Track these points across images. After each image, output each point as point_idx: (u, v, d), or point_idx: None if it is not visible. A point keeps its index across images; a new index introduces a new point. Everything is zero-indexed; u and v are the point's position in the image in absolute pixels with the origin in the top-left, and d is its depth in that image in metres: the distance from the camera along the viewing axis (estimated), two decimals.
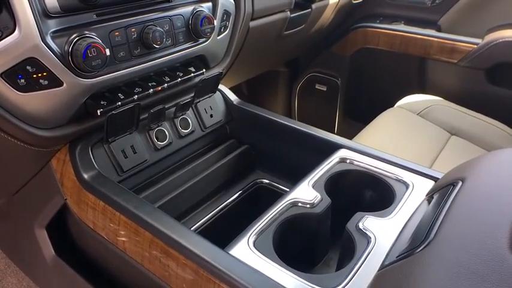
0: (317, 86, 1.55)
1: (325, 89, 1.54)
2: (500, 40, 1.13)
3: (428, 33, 1.28)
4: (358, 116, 1.49)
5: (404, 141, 1.06)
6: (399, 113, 1.16)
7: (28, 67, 0.52)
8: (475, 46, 1.19)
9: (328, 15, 1.25)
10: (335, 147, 0.69)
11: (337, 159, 0.65)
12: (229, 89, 0.88)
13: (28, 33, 0.51)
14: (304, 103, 1.61)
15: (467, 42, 1.20)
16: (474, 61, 1.20)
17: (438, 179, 0.60)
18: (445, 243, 0.37)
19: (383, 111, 1.20)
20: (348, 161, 0.66)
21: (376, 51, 1.37)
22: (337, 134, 1.60)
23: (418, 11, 1.30)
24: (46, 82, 0.54)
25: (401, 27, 1.33)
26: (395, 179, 0.61)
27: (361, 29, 1.38)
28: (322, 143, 0.72)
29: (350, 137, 1.17)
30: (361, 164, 0.64)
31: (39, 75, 0.54)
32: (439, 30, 1.28)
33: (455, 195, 0.44)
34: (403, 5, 1.33)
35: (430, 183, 0.61)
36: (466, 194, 0.43)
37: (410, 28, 1.31)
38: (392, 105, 1.24)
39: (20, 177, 0.71)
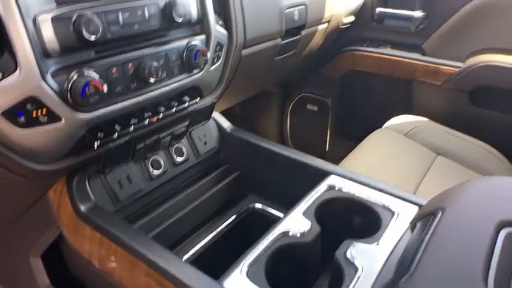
0: (308, 106, 1.59)
1: (316, 109, 1.58)
2: (480, 64, 1.18)
3: (413, 56, 1.33)
4: (349, 134, 1.53)
5: (392, 162, 1.09)
6: (387, 134, 1.20)
7: (28, 105, 0.55)
8: (457, 69, 1.24)
9: (317, 40, 1.30)
10: (325, 173, 0.72)
11: (326, 187, 0.68)
12: (223, 111, 0.91)
13: (29, 74, 0.53)
14: (296, 122, 1.65)
15: (450, 66, 1.26)
16: (457, 84, 1.25)
17: (422, 205, 0.63)
18: (424, 274, 0.40)
19: (372, 130, 1.24)
20: (336, 188, 0.68)
21: (364, 73, 1.42)
22: (328, 152, 1.62)
23: (403, 35, 1.35)
24: (45, 118, 0.57)
25: (388, 50, 1.38)
26: (382, 206, 0.64)
27: (349, 52, 1.43)
28: (313, 170, 0.75)
29: (341, 155, 1.20)
30: (349, 191, 0.67)
31: (39, 112, 0.56)
32: (423, 53, 1.34)
33: (435, 226, 0.46)
34: (388, 30, 1.38)
35: (415, 210, 0.63)
36: (444, 225, 0.46)
37: (396, 52, 1.36)
38: (381, 125, 1.28)
39: (16, 207, 0.72)
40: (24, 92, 0.53)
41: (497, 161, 1.11)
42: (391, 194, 0.67)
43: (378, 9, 1.37)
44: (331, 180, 0.70)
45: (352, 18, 1.38)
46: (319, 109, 1.57)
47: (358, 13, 1.40)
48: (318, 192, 0.67)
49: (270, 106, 1.66)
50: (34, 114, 0.56)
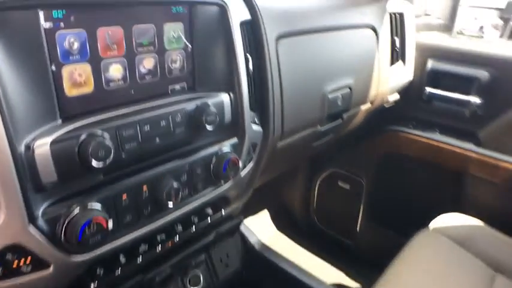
0: (340, 183, 1.43)
1: (348, 188, 1.42)
2: None
3: (466, 146, 1.17)
4: (384, 222, 1.36)
5: (444, 280, 0.91)
6: (435, 240, 1.02)
7: (8, 255, 0.42)
8: None
9: (359, 119, 1.17)
10: None
11: None
12: None
13: (13, 218, 0.41)
14: (325, 198, 1.49)
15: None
16: None
17: None
18: None
19: (412, 224, 1.07)
20: None
21: (407, 157, 1.27)
22: (360, 234, 1.42)
23: (456, 120, 1.20)
24: (29, 268, 0.44)
25: (436, 136, 1.23)
26: None
27: (392, 133, 1.29)
28: None
29: (373, 241, 1.02)
30: None
31: (21, 261, 0.43)
32: (478, 143, 1.17)
33: None
34: (439, 112, 1.23)
35: None
36: None
37: (447, 138, 1.21)
38: (422, 220, 1.10)
39: None
40: (5, 241, 0.41)
41: None
42: None
43: (428, 90, 1.23)
44: None
45: (397, 97, 1.25)
46: (351, 188, 1.41)
47: (405, 91, 1.26)
48: None
49: (297, 177, 1.51)
50: (15, 264, 0.43)
